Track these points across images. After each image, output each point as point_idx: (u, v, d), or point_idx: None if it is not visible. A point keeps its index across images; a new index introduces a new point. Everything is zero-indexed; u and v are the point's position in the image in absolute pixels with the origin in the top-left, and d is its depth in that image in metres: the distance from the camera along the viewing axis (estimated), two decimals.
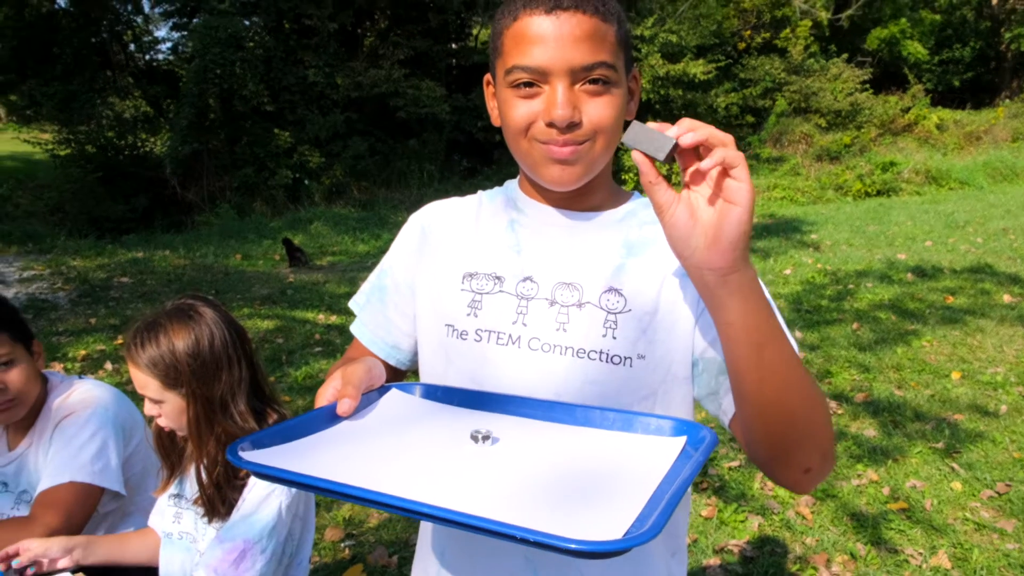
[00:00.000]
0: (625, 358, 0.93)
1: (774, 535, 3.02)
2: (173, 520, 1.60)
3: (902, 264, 7.73)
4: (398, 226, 1.17)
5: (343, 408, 0.84)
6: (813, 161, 15.41)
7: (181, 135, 13.41)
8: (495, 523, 0.63)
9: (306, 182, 13.84)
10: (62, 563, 1.51)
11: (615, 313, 0.95)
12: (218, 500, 1.48)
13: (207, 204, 13.41)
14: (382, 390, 0.94)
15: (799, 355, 0.85)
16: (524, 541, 0.62)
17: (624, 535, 0.64)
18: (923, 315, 5.99)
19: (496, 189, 1.11)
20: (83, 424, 1.71)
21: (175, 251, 9.38)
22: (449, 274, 1.04)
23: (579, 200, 1.01)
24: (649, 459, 0.79)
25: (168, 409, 1.50)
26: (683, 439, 0.83)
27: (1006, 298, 6.28)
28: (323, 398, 0.88)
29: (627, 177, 12.67)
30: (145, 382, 1.49)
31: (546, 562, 0.96)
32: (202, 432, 1.48)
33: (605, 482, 0.74)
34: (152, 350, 1.47)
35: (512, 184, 1.09)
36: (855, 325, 5.78)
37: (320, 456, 0.76)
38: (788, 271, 7.65)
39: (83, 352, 5.32)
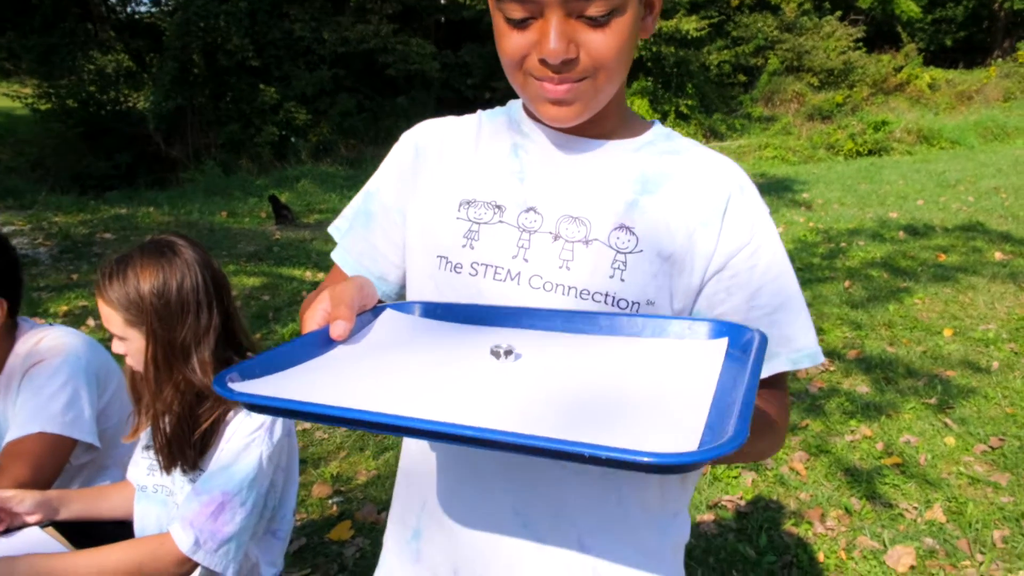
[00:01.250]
0: (633, 303, 0.85)
1: (768, 491, 2.99)
2: (147, 472, 1.53)
3: (894, 222, 7.68)
4: None
5: (337, 331, 0.73)
6: (805, 120, 15.29)
7: (164, 90, 13.12)
8: (551, 441, 0.54)
9: (293, 139, 13.61)
10: (31, 519, 1.43)
11: (625, 253, 0.86)
12: (176, 451, 1.40)
13: (192, 161, 13.19)
14: (376, 311, 0.83)
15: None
16: (591, 460, 0.53)
17: (700, 447, 0.56)
18: (915, 273, 5.95)
19: (498, 109, 1.00)
20: (53, 372, 1.62)
21: (159, 208, 9.21)
22: (444, 200, 0.93)
23: (589, 127, 0.90)
24: (693, 365, 0.70)
25: (132, 348, 1.42)
26: (724, 341, 0.75)
27: (997, 256, 6.25)
28: (312, 321, 0.76)
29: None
30: (109, 316, 1.41)
31: (537, 515, 0.89)
32: (159, 377, 1.40)
33: (652, 393, 0.65)
34: (117, 284, 1.39)
35: (515, 105, 0.98)
36: (847, 283, 5.74)
37: (318, 383, 0.66)
38: (780, 230, 7.59)
39: (64, 308, 5.22)
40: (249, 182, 11.63)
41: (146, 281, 1.38)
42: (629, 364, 0.71)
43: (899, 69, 16.20)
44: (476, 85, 14.88)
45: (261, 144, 13.29)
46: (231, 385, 0.63)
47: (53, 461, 1.57)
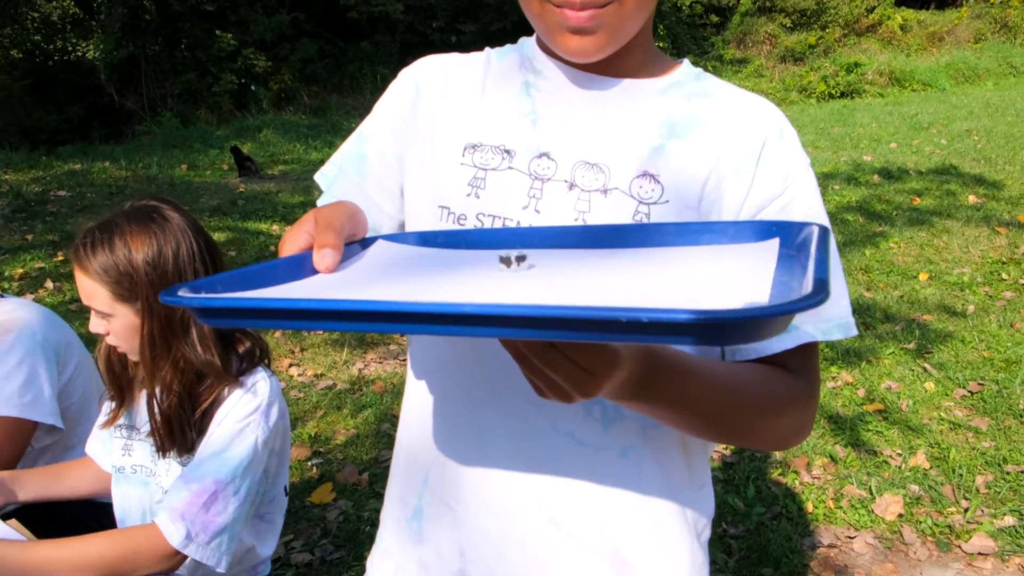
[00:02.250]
0: None
1: None
2: (122, 452, 1.42)
3: (868, 166, 7.66)
4: (351, 132, 0.94)
5: (324, 262, 0.61)
6: (777, 62, 15.16)
7: (114, 38, 12.58)
8: (579, 309, 0.43)
9: (253, 88, 13.17)
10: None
11: (648, 203, 0.77)
12: (172, 434, 1.30)
13: (148, 113, 12.73)
14: (365, 243, 0.72)
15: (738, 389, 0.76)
16: (633, 325, 0.42)
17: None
18: (890, 217, 5.95)
19: (508, 46, 0.89)
20: (7, 350, 1.50)
21: (115, 162, 8.88)
22: (447, 144, 0.83)
23: (611, 64, 0.80)
24: (742, 265, 0.59)
25: (118, 326, 1.29)
26: (775, 241, 0.64)
27: (971, 199, 6.26)
28: (293, 244, 0.64)
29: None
30: (93, 291, 1.27)
31: (552, 494, 0.81)
32: (156, 355, 1.28)
33: (695, 288, 0.54)
34: (104, 256, 1.25)
35: (528, 42, 0.88)
36: None
37: (290, 294, 0.55)
38: None
39: (20, 270, 5.02)
40: (209, 133, 11.27)
41: (139, 250, 1.26)
42: (665, 268, 0.60)
43: (871, 10, 16.05)
44: (442, 28, 14.46)
45: (220, 93, 12.84)
46: (180, 294, 0.52)
47: (12, 445, 1.46)
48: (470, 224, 0.80)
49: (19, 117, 12.49)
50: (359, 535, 2.50)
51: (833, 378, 3.46)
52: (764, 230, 0.66)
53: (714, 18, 15.87)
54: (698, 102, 0.81)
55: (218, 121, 12.44)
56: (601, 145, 0.79)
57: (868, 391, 3.33)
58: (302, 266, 0.62)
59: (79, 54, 14.06)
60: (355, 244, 0.69)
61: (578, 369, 0.57)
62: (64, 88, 13.15)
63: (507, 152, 0.80)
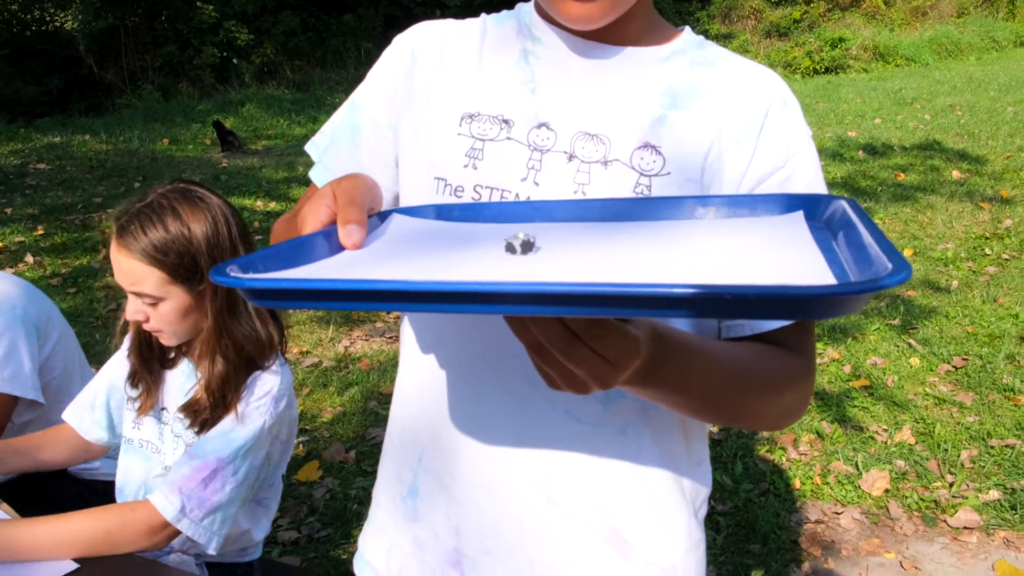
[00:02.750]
0: None
1: None
2: (132, 426, 1.40)
3: (853, 142, 7.66)
4: (335, 107, 0.91)
5: (352, 238, 0.60)
6: (762, 38, 15.09)
7: (93, 9, 12.33)
8: (671, 287, 0.41)
9: (235, 61, 12.97)
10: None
11: (649, 175, 0.75)
12: (216, 411, 1.27)
13: (128, 85, 12.51)
14: (382, 215, 0.71)
15: (738, 366, 0.75)
16: (732, 304, 0.41)
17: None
18: (875, 192, 5.96)
19: (504, 13, 0.86)
20: None
21: (96, 136, 8.74)
22: (443, 114, 0.81)
23: (612, 32, 0.77)
24: (776, 236, 0.57)
25: (167, 309, 1.23)
26: (799, 215, 0.62)
27: (955, 174, 6.28)
28: (315, 219, 0.62)
29: None
30: (143, 275, 1.20)
31: (549, 472, 0.80)
32: (221, 333, 1.25)
33: (737, 260, 0.52)
34: (158, 234, 1.19)
35: (525, 7, 0.85)
36: None
37: (330, 275, 0.54)
38: None
39: (0, 244, 4.94)
40: (191, 107, 11.11)
41: (196, 227, 1.22)
42: (700, 243, 0.58)
43: None
44: (425, 1, 14.28)
45: (201, 66, 12.65)
46: (231, 273, 0.51)
47: None
48: (467, 196, 0.78)
49: None
50: (346, 513, 2.49)
51: (819, 355, 3.47)
52: (788, 203, 0.64)
53: None
54: (700, 71, 0.79)
55: (200, 95, 12.26)
56: (601, 115, 0.77)
57: (854, 367, 3.35)
58: (328, 242, 0.61)
59: (57, 24, 13.77)
60: (374, 218, 0.68)
61: (601, 360, 0.55)
62: (42, 59, 12.89)
63: (505, 122, 0.78)
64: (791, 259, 0.51)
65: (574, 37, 0.79)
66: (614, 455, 0.81)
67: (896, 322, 3.76)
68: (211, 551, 1.25)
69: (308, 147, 0.91)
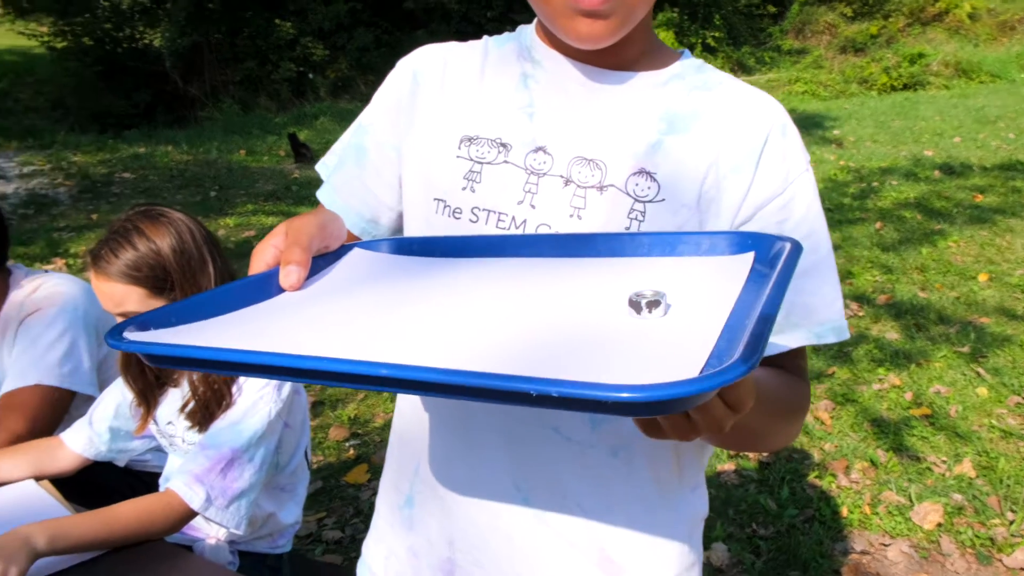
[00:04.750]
0: None
1: None
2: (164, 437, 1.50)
3: (929, 161, 7.41)
4: None
5: (289, 280, 0.62)
6: (837, 53, 14.76)
7: (179, 27, 12.93)
8: (483, 377, 0.42)
9: (310, 75, 13.39)
10: (18, 473, 1.38)
11: (644, 201, 0.75)
12: (210, 411, 1.36)
13: (210, 99, 13.05)
14: (340, 252, 0.72)
15: (781, 397, 0.76)
16: (544, 399, 0.41)
17: (701, 373, 0.43)
18: (950, 214, 5.75)
19: (506, 35, 0.88)
20: (50, 322, 1.57)
21: (178, 146, 9.14)
22: (443, 136, 0.82)
23: (611, 55, 0.78)
24: (709, 284, 0.58)
25: None
26: (750, 256, 0.62)
27: None
28: (260, 260, 0.65)
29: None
30: (124, 295, 1.33)
31: (538, 490, 0.81)
32: None
33: (652, 320, 0.53)
34: (129, 254, 1.32)
35: (527, 30, 0.86)
36: (878, 224, 5.56)
37: (243, 330, 0.55)
38: None
39: (83, 248, 5.20)
40: (267, 120, 11.50)
41: (162, 241, 1.33)
42: (628, 288, 0.58)
43: None
44: (496, 18, 14.46)
45: (279, 81, 13.10)
46: (127, 335, 0.53)
47: (50, 414, 1.52)
48: (465, 218, 0.80)
49: (90, 102, 12.95)
50: (366, 536, 2.53)
51: (880, 380, 3.37)
52: (740, 243, 0.64)
53: (772, 8, 15.52)
54: (698, 95, 0.79)
55: (277, 108, 12.69)
56: (598, 140, 0.78)
57: (916, 395, 3.23)
58: (264, 285, 0.63)
59: (146, 42, 14.48)
60: (329, 255, 0.69)
61: (724, 406, 0.55)
62: (132, 75, 13.57)
63: (503, 146, 0.79)
64: (684, 326, 0.51)
65: (574, 61, 0.80)
66: (604, 476, 0.81)
67: (965, 349, 3.61)
68: (239, 532, 1.34)
69: (318, 167, 0.94)
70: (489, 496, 0.83)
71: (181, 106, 13.22)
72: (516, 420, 0.80)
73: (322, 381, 0.47)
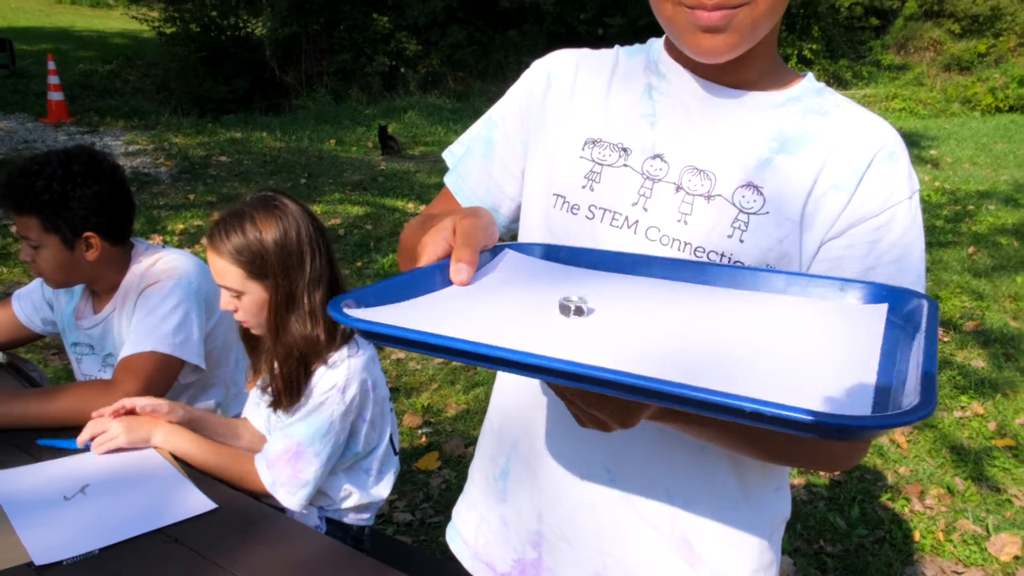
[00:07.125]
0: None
1: (865, 461, 2.88)
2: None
3: None
4: None
5: (460, 276, 0.68)
6: (940, 71, 14.19)
7: (281, 17, 13.34)
8: (707, 392, 0.46)
9: (402, 70, 13.65)
10: (156, 439, 1.49)
11: (748, 213, 0.79)
12: (289, 392, 1.48)
13: (304, 88, 13.44)
14: (495, 251, 0.78)
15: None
16: (755, 416, 0.46)
17: (877, 412, 0.48)
18: None
19: (637, 46, 0.93)
20: (166, 295, 1.69)
21: (271, 133, 9.48)
22: (569, 137, 0.89)
23: (733, 72, 0.83)
24: (850, 327, 0.61)
25: (248, 301, 1.48)
26: (883, 307, 0.65)
27: None
28: (433, 251, 0.70)
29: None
30: (226, 271, 1.46)
31: (629, 475, 0.86)
32: (281, 325, 1.47)
33: (802, 352, 0.57)
34: (238, 238, 1.44)
35: (656, 44, 0.91)
36: (971, 249, 5.37)
37: (435, 316, 0.62)
38: None
39: (181, 226, 5.48)
40: (358, 111, 11.78)
41: (268, 232, 1.44)
42: (773, 321, 0.63)
43: None
44: (589, 20, 14.46)
45: (371, 74, 13.39)
46: (346, 311, 0.61)
47: (163, 378, 1.65)
48: (581, 214, 0.85)
49: (193, 86, 13.48)
50: (458, 500, 2.61)
51: (962, 407, 3.28)
52: (875, 294, 0.67)
53: (874, 21, 15.02)
54: (813, 119, 0.82)
55: (368, 100, 12.97)
56: (711, 152, 0.82)
57: (1000, 425, 3.14)
58: (437, 277, 0.71)
59: (248, 30, 15.01)
60: (486, 253, 0.76)
61: (620, 403, 0.61)
62: (233, 61, 14.07)
63: (624, 150, 0.85)
64: (838, 369, 0.55)
65: (697, 77, 0.85)
66: (691, 468, 0.86)
67: None
68: (303, 511, 1.51)
69: (445, 154, 1.02)
70: (580, 475, 0.89)
71: (276, 94, 13.65)
72: None
73: (526, 373, 0.53)
